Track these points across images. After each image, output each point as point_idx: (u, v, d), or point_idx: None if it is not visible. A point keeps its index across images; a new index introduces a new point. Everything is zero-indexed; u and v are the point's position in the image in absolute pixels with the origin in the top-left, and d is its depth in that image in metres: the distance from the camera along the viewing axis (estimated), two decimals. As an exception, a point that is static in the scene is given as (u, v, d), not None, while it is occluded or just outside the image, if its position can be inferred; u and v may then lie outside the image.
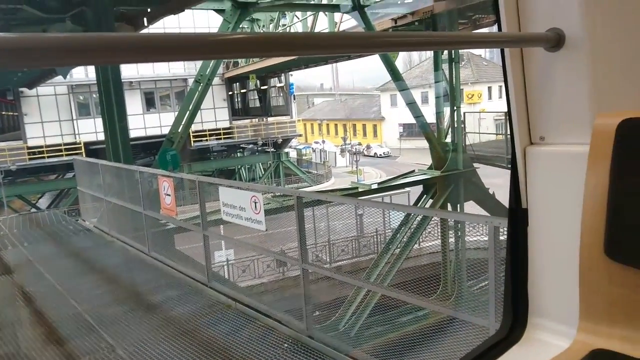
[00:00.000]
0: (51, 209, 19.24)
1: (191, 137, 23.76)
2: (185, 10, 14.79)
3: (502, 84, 1.49)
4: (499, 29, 1.44)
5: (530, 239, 1.54)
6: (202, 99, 14.18)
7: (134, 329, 5.16)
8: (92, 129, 22.94)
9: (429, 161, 14.73)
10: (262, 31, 23.99)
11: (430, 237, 12.97)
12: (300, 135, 37.52)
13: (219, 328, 4.96)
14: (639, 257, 1.23)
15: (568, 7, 1.36)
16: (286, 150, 30.70)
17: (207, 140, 26.46)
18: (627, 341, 1.24)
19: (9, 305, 6.31)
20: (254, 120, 30.42)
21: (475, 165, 14.09)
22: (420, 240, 13.01)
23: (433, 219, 10.27)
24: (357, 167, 32.37)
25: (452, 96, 13.45)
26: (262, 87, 31.64)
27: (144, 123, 24.96)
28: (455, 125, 13.41)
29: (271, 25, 25.05)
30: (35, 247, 9.63)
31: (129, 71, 23.11)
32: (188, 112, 13.75)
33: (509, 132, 1.65)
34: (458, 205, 13.67)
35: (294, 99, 33.49)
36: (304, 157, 38.95)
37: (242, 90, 33.13)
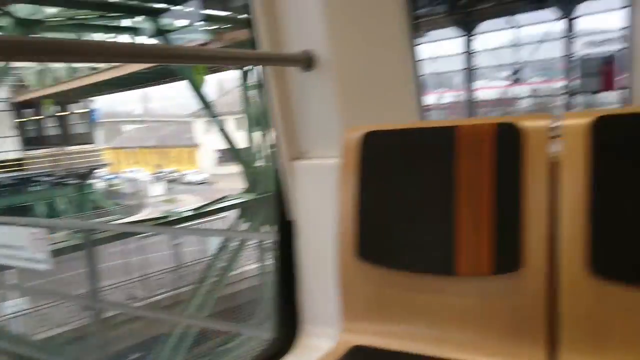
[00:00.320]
0: None
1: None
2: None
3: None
4: (255, 47, 1.49)
5: (299, 249, 1.59)
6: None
7: None
8: None
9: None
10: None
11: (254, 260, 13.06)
12: (108, 165, 34.76)
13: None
14: (388, 257, 1.34)
15: (317, 30, 1.46)
16: (93, 181, 28.12)
17: (-12, 174, 22.88)
18: (382, 335, 1.33)
19: None
20: (52, 149, 27.27)
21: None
22: (242, 264, 12.99)
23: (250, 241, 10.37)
24: (171, 195, 31.16)
25: (261, 121, 13.85)
26: (61, 113, 28.67)
27: None
28: (266, 149, 13.81)
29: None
30: None
31: None
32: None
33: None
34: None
35: (101, 125, 31.14)
36: (113, 188, 36.11)
37: (37, 117, 29.53)
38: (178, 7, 14.30)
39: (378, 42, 1.61)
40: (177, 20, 14.53)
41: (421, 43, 15.40)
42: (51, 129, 29.70)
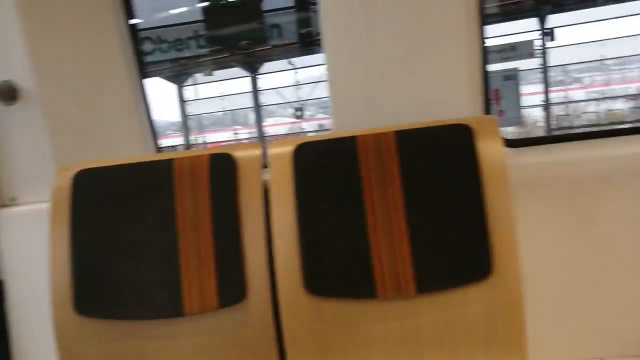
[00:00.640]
0: None
1: None
2: None
3: None
4: None
5: (11, 312, 1.37)
6: None
7: None
8: None
9: None
10: None
11: None
12: None
13: None
14: (110, 307, 1.21)
15: (19, 59, 1.29)
16: None
17: None
18: None
19: None
20: None
21: None
22: None
23: None
24: None
25: None
26: None
27: None
28: None
29: None
30: None
31: None
32: None
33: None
34: None
35: None
36: None
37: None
38: None
39: (97, 77, 1.50)
40: None
41: (210, 81, 15.61)
42: None
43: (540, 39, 12.15)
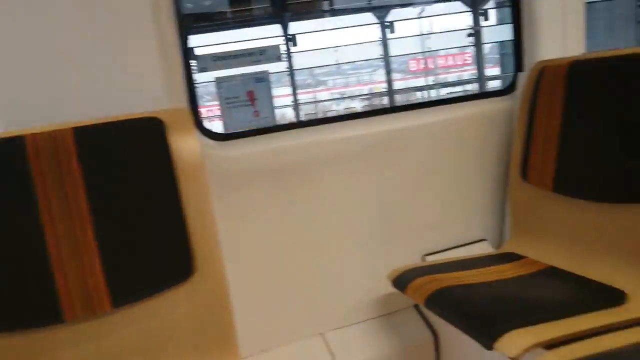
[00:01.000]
0: None
1: None
2: None
3: None
4: None
5: None
6: None
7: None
8: None
9: None
10: None
11: None
12: None
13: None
14: None
15: None
16: None
17: None
18: None
19: None
20: None
21: None
22: None
23: None
24: None
25: None
26: None
27: None
28: None
29: None
30: None
31: None
32: None
33: None
34: None
35: None
36: None
37: None
38: None
39: None
40: None
41: None
42: None
43: (285, 44, 13.09)
